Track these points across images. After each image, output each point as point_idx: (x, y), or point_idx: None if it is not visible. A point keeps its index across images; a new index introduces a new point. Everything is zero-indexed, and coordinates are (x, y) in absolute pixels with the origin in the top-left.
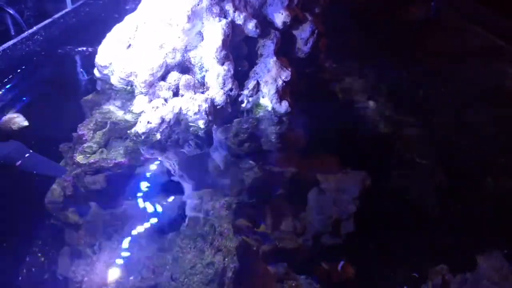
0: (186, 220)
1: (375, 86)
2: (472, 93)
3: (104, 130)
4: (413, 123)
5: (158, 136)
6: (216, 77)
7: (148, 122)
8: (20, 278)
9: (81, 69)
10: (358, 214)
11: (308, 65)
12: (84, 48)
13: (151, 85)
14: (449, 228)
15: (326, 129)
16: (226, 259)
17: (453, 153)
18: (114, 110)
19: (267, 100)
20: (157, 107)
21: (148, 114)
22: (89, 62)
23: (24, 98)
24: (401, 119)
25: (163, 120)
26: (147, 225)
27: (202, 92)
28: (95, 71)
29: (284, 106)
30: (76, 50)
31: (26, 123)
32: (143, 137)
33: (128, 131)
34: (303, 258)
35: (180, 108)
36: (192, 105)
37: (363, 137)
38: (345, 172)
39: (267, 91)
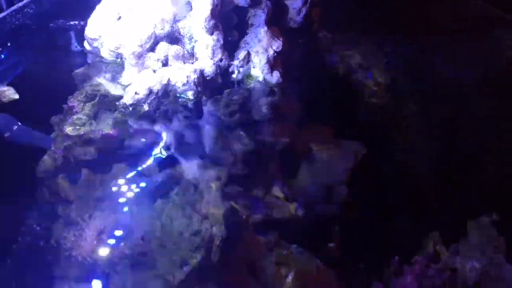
0: (176, 189)
1: (371, 58)
2: (470, 67)
3: (93, 102)
4: (409, 96)
5: (146, 107)
6: (205, 47)
7: (135, 93)
8: (16, 245)
9: (73, 43)
10: (351, 184)
11: (300, 36)
12: (76, 22)
13: (140, 56)
14: (443, 199)
15: (319, 100)
16: (214, 228)
17: (449, 124)
18: (104, 82)
19: (258, 71)
20: (145, 78)
21: (136, 85)
22: (81, 35)
23: (15, 72)
24: (397, 92)
25: (151, 91)
26: (136, 194)
27: (192, 63)
28: (85, 44)
29: (275, 77)
30: (68, 23)
31: (16, 96)
32: (131, 109)
33: (117, 103)
34: (295, 227)
35: (169, 79)
36: (181, 76)
37: (358, 110)
38: (340, 144)
39: (257, 62)
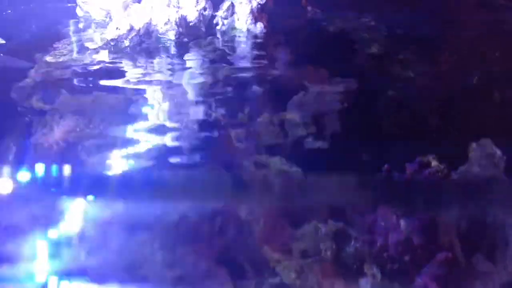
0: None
1: (369, 24)
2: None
3: (78, 43)
4: (408, 47)
5: (127, 42)
6: None
7: (116, 28)
8: None
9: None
10: (343, 114)
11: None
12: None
13: (126, 7)
14: (443, 130)
15: (309, 46)
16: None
17: (454, 71)
18: (91, 32)
19: (242, 22)
20: (127, 16)
21: (118, 21)
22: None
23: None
24: (396, 45)
25: (132, 28)
26: (114, 110)
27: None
28: (78, 11)
29: (259, 28)
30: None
31: (2, 41)
32: (112, 44)
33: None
34: (280, 148)
35: (151, 18)
36: (163, 16)
37: (353, 56)
38: (334, 81)
39: (241, 12)
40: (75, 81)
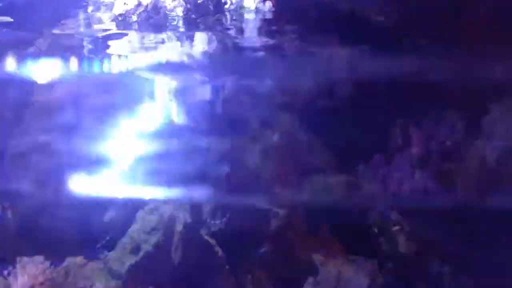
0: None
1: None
2: None
3: (86, 20)
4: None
5: (135, 18)
6: None
7: (124, 4)
8: None
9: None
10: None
11: None
12: None
13: None
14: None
15: (318, 24)
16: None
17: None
18: (100, 14)
19: (251, 1)
20: None
21: None
22: None
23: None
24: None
25: (140, 3)
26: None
27: None
28: None
29: (268, 6)
30: None
31: (10, 19)
32: (120, 19)
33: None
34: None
35: None
36: None
37: (364, 31)
38: (343, 49)
39: None
40: (82, 47)
